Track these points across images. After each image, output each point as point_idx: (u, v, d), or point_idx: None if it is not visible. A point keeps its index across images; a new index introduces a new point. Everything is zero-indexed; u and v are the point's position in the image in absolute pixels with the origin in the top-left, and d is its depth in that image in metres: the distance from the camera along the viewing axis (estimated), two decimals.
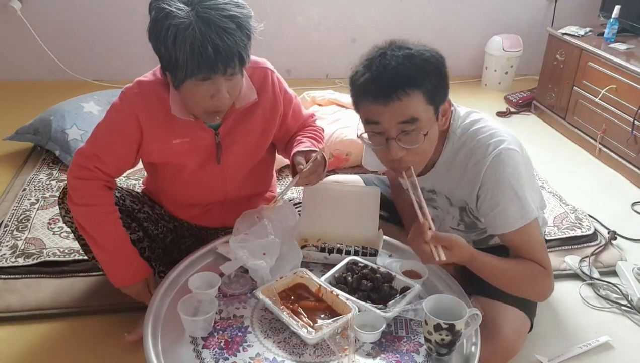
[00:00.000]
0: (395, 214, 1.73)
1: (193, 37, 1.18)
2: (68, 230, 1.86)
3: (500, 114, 3.32)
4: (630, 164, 2.61)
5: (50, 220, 2.10)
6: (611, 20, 2.89)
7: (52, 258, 1.87)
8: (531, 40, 3.73)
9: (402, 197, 1.71)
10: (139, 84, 1.41)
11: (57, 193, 2.00)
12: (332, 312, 1.22)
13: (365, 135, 1.26)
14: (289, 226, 1.43)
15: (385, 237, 1.48)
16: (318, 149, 1.42)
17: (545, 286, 1.32)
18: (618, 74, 2.66)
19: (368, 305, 1.22)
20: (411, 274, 1.34)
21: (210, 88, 1.27)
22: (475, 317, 1.17)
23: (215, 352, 1.14)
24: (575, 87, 2.98)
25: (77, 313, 1.68)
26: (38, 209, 2.17)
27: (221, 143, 1.47)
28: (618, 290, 1.84)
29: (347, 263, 1.36)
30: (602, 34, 2.96)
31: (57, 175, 2.42)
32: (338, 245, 1.45)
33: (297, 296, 1.27)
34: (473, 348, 1.17)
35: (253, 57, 1.44)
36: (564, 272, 1.94)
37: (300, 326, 1.16)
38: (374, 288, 1.27)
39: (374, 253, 1.42)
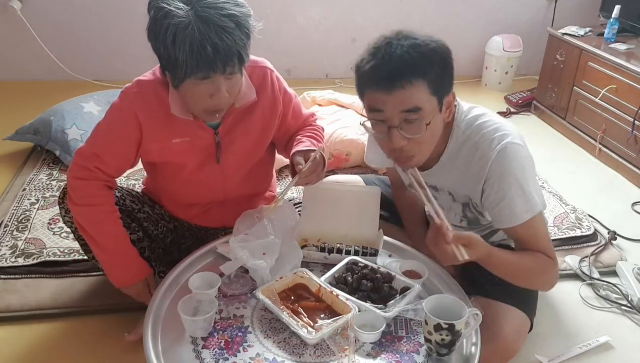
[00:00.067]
0: (395, 214, 1.73)
1: (192, 36, 1.18)
2: (68, 230, 1.86)
3: (500, 114, 3.31)
4: (630, 164, 2.61)
5: (50, 220, 2.10)
6: (611, 20, 2.89)
7: (52, 258, 1.87)
8: (531, 40, 3.73)
9: (403, 197, 1.71)
10: (138, 84, 1.41)
11: (57, 193, 2.00)
12: (332, 312, 1.22)
13: (368, 124, 1.27)
14: (289, 226, 1.43)
15: (385, 237, 1.48)
16: (317, 148, 1.42)
17: (552, 276, 1.35)
18: (618, 74, 2.66)
19: (368, 305, 1.22)
20: (411, 274, 1.34)
21: (209, 87, 1.27)
22: (475, 317, 1.17)
23: (215, 352, 1.14)
24: (575, 87, 2.98)
25: (77, 313, 1.68)
26: (38, 209, 2.17)
27: (220, 142, 1.47)
28: (618, 290, 1.84)
29: (347, 263, 1.36)
30: (602, 34, 2.96)
31: (57, 175, 2.42)
32: (338, 245, 1.45)
33: (297, 296, 1.27)
34: (473, 348, 1.17)
35: (252, 57, 1.44)
36: (564, 272, 1.94)
37: (300, 326, 1.16)
38: (374, 288, 1.27)
39: (374, 253, 1.42)
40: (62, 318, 1.66)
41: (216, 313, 1.22)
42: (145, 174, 1.70)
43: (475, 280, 1.52)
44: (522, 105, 3.40)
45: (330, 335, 1.15)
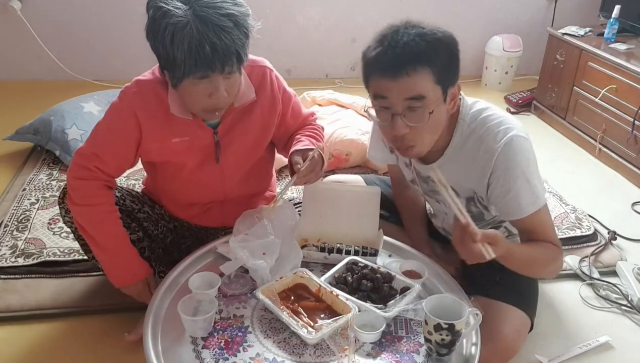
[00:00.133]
0: (395, 213, 1.73)
1: (190, 35, 1.19)
2: (68, 230, 1.86)
3: None
4: (630, 164, 2.61)
5: (50, 220, 2.10)
6: (611, 20, 2.89)
7: (52, 258, 1.87)
8: (531, 40, 3.73)
9: (403, 196, 1.71)
10: (137, 83, 1.41)
11: (57, 193, 2.00)
12: (332, 312, 1.22)
13: (373, 112, 1.28)
14: (289, 226, 1.43)
15: (385, 237, 1.48)
16: (315, 147, 1.42)
17: (560, 264, 1.38)
18: (618, 74, 2.66)
19: (368, 305, 1.22)
20: (411, 274, 1.34)
21: (208, 86, 1.27)
22: (475, 317, 1.17)
23: (215, 352, 1.14)
24: (575, 87, 2.98)
25: (77, 313, 1.68)
26: (38, 209, 2.17)
27: (220, 142, 1.47)
28: (618, 290, 1.84)
29: (347, 263, 1.36)
30: (602, 34, 2.96)
31: (57, 175, 2.42)
32: (338, 245, 1.45)
33: (297, 296, 1.27)
34: (473, 348, 1.17)
35: (251, 56, 1.44)
36: (564, 272, 1.94)
37: (300, 326, 1.16)
38: (374, 288, 1.27)
39: (374, 253, 1.42)
40: (62, 318, 1.66)
41: (216, 313, 1.22)
42: (145, 173, 1.70)
43: (475, 280, 1.52)
44: (522, 105, 3.40)
45: (330, 335, 1.15)
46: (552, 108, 3.19)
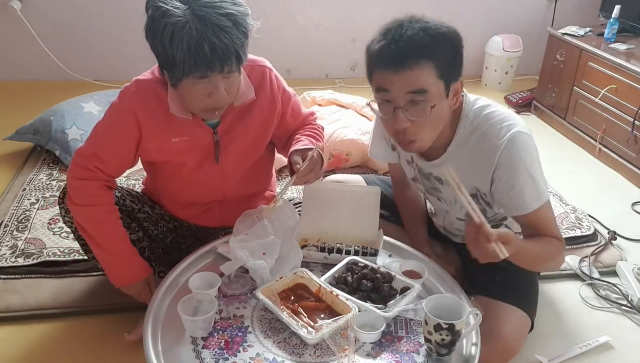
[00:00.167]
0: (396, 213, 1.73)
1: (189, 35, 1.19)
2: (68, 230, 1.86)
3: None
4: (630, 164, 2.61)
5: (50, 220, 2.10)
6: (611, 20, 2.89)
7: (52, 258, 1.87)
8: (531, 40, 3.73)
9: (404, 196, 1.72)
10: (137, 83, 1.41)
11: (57, 194, 2.00)
12: (332, 312, 1.22)
13: (375, 106, 1.28)
14: (289, 226, 1.43)
15: (385, 237, 1.48)
16: (314, 147, 1.42)
17: (563, 257, 1.39)
18: (618, 74, 2.66)
19: (368, 305, 1.22)
20: (411, 274, 1.34)
21: (207, 86, 1.27)
22: (475, 317, 1.17)
23: (215, 352, 1.14)
24: (575, 87, 2.98)
25: (77, 313, 1.68)
26: (38, 209, 2.17)
27: (219, 141, 1.47)
28: (618, 290, 1.84)
29: (347, 263, 1.36)
30: (602, 34, 2.96)
31: (57, 175, 2.42)
32: (338, 245, 1.45)
33: (297, 296, 1.27)
34: (473, 348, 1.17)
35: (251, 56, 1.44)
36: (564, 272, 1.94)
37: (300, 326, 1.16)
38: (374, 288, 1.27)
39: (374, 253, 1.42)
40: (62, 318, 1.66)
41: (216, 313, 1.22)
42: (145, 173, 1.70)
43: (475, 280, 1.52)
44: (522, 105, 3.40)
45: (330, 335, 1.15)
46: (552, 108, 3.20)
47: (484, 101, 1.37)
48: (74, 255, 1.88)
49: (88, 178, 1.41)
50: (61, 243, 1.95)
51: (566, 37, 3.03)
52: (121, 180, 2.38)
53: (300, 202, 1.54)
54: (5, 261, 1.85)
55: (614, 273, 1.94)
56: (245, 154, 1.53)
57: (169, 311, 1.25)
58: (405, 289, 1.27)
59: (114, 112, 1.42)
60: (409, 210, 1.71)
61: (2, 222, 2.07)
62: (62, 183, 2.32)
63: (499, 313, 1.40)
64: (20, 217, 2.10)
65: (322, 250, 1.43)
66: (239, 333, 1.19)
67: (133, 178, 2.41)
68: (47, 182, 2.36)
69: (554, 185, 2.48)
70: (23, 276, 1.79)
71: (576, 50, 2.95)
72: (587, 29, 3.06)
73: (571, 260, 1.97)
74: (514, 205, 1.32)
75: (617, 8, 2.87)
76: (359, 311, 1.20)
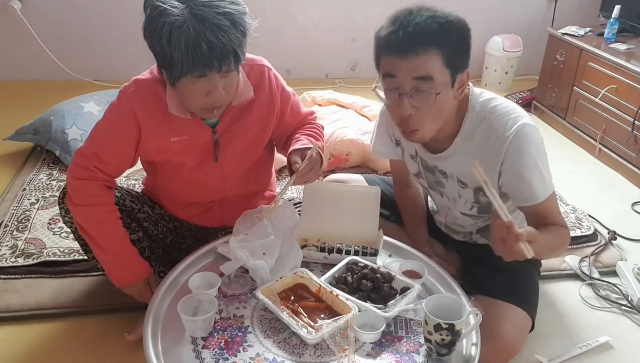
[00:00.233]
0: (396, 213, 1.73)
1: (187, 34, 1.19)
2: (68, 230, 1.86)
3: None
4: (630, 164, 2.61)
5: (50, 220, 2.10)
6: (611, 20, 2.89)
7: (52, 258, 1.87)
8: (531, 40, 3.73)
9: (404, 196, 1.72)
10: (136, 83, 1.41)
11: (57, 194, 2.00)
12: (332, 312, 1.22)
13: (382, 93, 1.29)
14: (289, 226, 1.43)
15: (385, 237, 1.48)
16: (313, 146, 1.42)
17: (568, 242, 1.41)
18: (618, 74, 2.66)
19: (368, 305, 1.22)
20: (411, 274, 1.34)
21: (205, 85, 1.27)
22: (475, 317, 1.17)
23: (215, 352, 1.14)
24: (575, 87, 2.98)
25: (77, 313, 1.68)
26: (38, 209, 2.17)
27: (219, 141, 1.47)
28: (618, 290, 1.84)
29: (347, 263, 1.36)
30: (602, 34, 2.96)
31: (57, 175, 2.42)
32: (338, 245, 1.45)
33: (297, 296, 1.27)
34: (473, 349, 1.17)
35: (250, 55, 1.44)
36: (564, 272, 1.94)
37: (300, 326, 1.16)
38: (374, 288, 1.27)
39: (374, 253, 1.42)
40: (62, 318, 1.66)
41: (216, 313, 1.22)
42: (145, 173, 1.70)
43: (476, 280, 1.53)
44: (522, 105, 3.36)
45: (330, 335, 1.15)
46: (552, 108, 3.20)
47: (489, 94, 1.39)
48: (74, 255, 1.88)
49: (88, 178, 1.41)
50: (61, 243, 1.95)
51: (566, 37, 3.03)
52: (121, 180, 2.38)
53: (300, 202, 1.54)
54: (5, 261, 1.85)
55: (614, 273, 1.94)
56: (244, 153, 1.53)
57: (169, 311, 1.25)
58: (405, 289, 1.27)
59: (113, 112, 1.42)
60: (409, 209, 1.71)
61: (2, 222, 2.07)
62: (62, 183, 2.32)
63: (499, 313, 1.40)
64: (20, 217, 2.10)
65: (322, 250, 1.43)
66: (239, 333, 1.19)
67: (133, 178, 2.41)
68: (47, 182, 2.36)
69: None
70: (23, 276, 1.79)
71: (576, 50, 2.95)
72: (587, 29, 3.06)
73: (571, 260, 1.97)
74: (522, 196, 1.33)
75: (617, 8, 2.86)
76: (359, 311, 1.20)
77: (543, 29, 3.49)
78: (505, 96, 3.50)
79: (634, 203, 2.41)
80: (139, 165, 1.58)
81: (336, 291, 1.25)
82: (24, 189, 2.29)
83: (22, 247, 1.93)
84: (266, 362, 1.12)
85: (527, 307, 1.45)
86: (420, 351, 1.16)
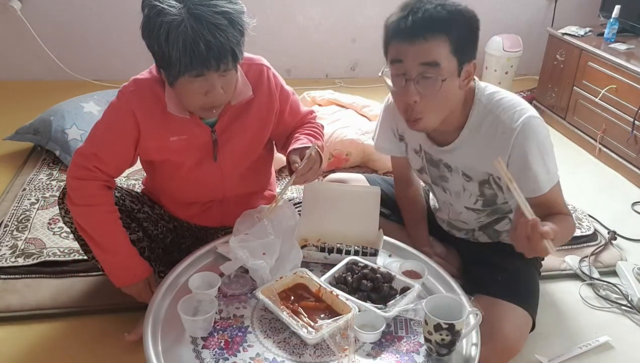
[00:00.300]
0: (396, 212, 1.73)
1: (185, 34, 1.19)
2: (68, 230, 1.86)
3: None
4: (630, 164, 2.61)
5: (50, 220, 2.10)
6: (611, 20, 2.89)
7: (52, 258, 1.87)
8: (531, 40, 3.73)
9: (405, 196, 1.72)
10: (135, 82, 1.41)
11: (57, 194, 2.00)
12: (332, 312, 1.22)
13: (389, 81, 1.31)
14: (289, 226, 1.43)
15: (385, 237, 1.48)
16: (311, 145, 1.42)
17: (575, 230, 1.45)
18: (618, 74, 2.66)
19: (368, 305, 1.22)
20: (411, 274, 1.34)
21: (204, 84, 1.27)
22: (475, 317, 1.17)
23: (215, 352, 1.14)
24: (575, 87, 2.98)
25: (77, 313, 1.68)
26: (38, 209, 2.17)
27: (218, 140, 1.47)
28: (618, 290, 1.84)
29: (347, 263, 1.36)
30: (602, 34, 2.96)
31: (57, 175, 2.42)
32: (338, 245, 1.45)
33: (297, 296, 1.27)
34: (473, 349, 1.17)
35: (249, 54, 1.44)
36: (564, 272, 1.94)
37: (300, 326, 1.16)
38: (374, 288, 1.27)
39: (374, 253, 1.42)
40: (62, 318, 1.66)
41: (216, 313, 1.22)
42: (144, 174, 1.70)
43: (477, 279, 1.53)
44: None
45: (330, 335, 1.15)
46: (552, 108, 3.19)
47: (494, 88, 1.40)
48: (74, 255, 1.88)
49: (87, 178, 1.41)
50: (61, 243, 1.95)
51: (566, 37, 3.03)
52: (121, 180, 2.38)
53: (300, 202, 1.54)
54: (5, 261, 1.85)
55: (614, 273, 1.94)
56: (243, 153, 1.53)
57: (169, 311, 1.25)
58: (405, 289, 1.27)
59: (112, 112, 1.42)
60: (410, 209, 1.71)
61: (2, 222, 2.07)
62: (62, 184, 2.32)
63: (500, 312, 1.40)
64: (20, 217, 2.10)
65: (322, 250, 1.43)
66: (239, 333, 1.19)
67: (133, 178, 2.41)
68: (47, 182, 2.36)
69: None
70: (23, 276, 1.79)
71: (576, 50, 2.95)
72: (587, 29, 3.06)
73: (571, 260, 1.97)
74: (529, 187, 1.34)
75: (617, 8, 2.86)
76: (359, 311, 1.20)
77: (543, 29, 3.49)
78: None
79: (634, 203, 2.41)
80: (138, 165, 1.58)
81: (336, 291, 1.25)
82: (24, 189, 2.29)
83: (22, 247, 1.93)
84: (266, 362, 1.12)
85: (528, 306, 1.45)
86: (420, 351, 1.16)
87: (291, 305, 1.24)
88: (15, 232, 2.01)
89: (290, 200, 1.77)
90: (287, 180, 1.40)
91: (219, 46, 1.21)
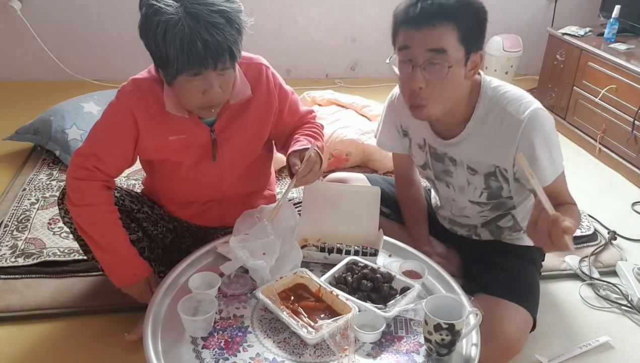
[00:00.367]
0: (397, 211, 1.73)
1: (182, 32, 1.19)
2: (68, 230, 1.86)
3: None
4: (630, 164, 2.61)
5: (50, 220, 2.10)
6: (611, 20, 2.89)
7: (52, 258, 1.87)
8: (531, 40, 3.73)
9: (406, 196, 1.72)
10: (133, 82, 1.41)
11: (57, 194, 2.00)
12: (332, 312, 1.22)
13: (395, 68, 1.32)
14: (289, 226, 1.43)
15: (385, 237, 1.48)
16: (310, 146, 1.42)
17: (581, 219, 1.44)
18: (618, 74, 2.66)
19: (368, 305, 1.22)
20: (411, 274, 1.34)
21: (201, 83, 1.27)
22: (475, 317, 1.17)
23: (215, 352, 1.14)
24: (575, 87, 2.98)
25: (77, 313, 1.68)
26: (38, 209, 2.17)
27: (217, 139, 1.47)
28: (618, 290, 1.84)
29: (347, 263, 1.36)
30: (602, 34, 2.96)
31: (57, 175, 2.42)
32: (338, 245, 1.45)
33: (297, 296, 1.27)
34: (473, 349, 1.17)
35: (248, 54, 1.44)
36: (564, 272, 1.94)
37: (300, 326, 1.16)
38: (374, 288, 1.27)
39: (374, 253, 1.42)
40: (62, 318, 1.66)
41: (216, 313, 1.22)
42: (144, 174, 1.70)
43: (478, 278, 1.53)
44: None
45: (330, 335, 1.15)
46: (552, 108, 3.19)
47: (498, 81, 1.42)
48: (74, 255, 1.88)
49: (87, 178, 1.41)
50: (61, 243, 1.95)
51: (566, 37, 3.03)
52: (121, 180, 2.38)
53: (300, 202, 1.54)
54: (5, 261, 1.85)
55: (614, 273, 1.94)
56: (242, 152, 1.53)
57: (169, 311, 1.25)
58: (405, 289, 1.27)
59: (111, 112, 1.42)
60: (411, 208, 1.71)
61: (2, 222, 2.07)
62: (62, 184, 2.32)
63: (501, 312, 1.40)
64: (20, 217, 2.11)
65: (322, 250, 1.43)
66: (239, 333, 1.19)
67: (133, 178, 2.41)
68: (47, 182, 2.36)
69: None
70: (23, 276, 1.80)
71: (576, 50, 2.95)
72: (587, 29, 3.07)
73: (571, 260, 1.97)
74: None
75: (617, 8, 2.87)
76: (359, 311, 1.20)
77: (543, 29, 3.49)
78: None
79: (634, 203, 2.41)
80: (138, 165, 1.58)
81: (336, 291, 1.25)
82: (24, 189, 2.30)
83: (22, 247, 1.93)
84: (266, 362, 1.12)
85: (529, 305, 1.45)
86: (420, 351, 1.16)
87: (291, 305, 1.24)
88: (15, 232, 2.01)
89: (290, 200, 1.77)
90: (288, 183, 1.40)
91: (216, 45, 1.21)
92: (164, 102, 1.37)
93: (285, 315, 1.18)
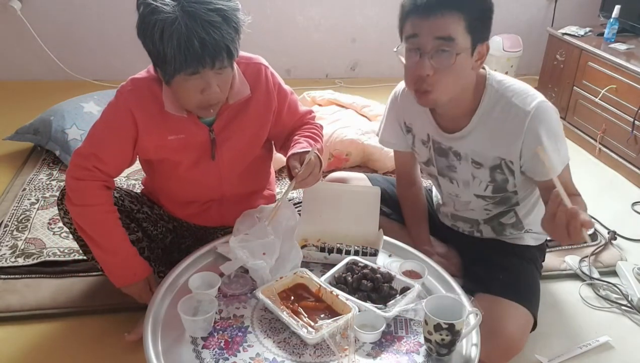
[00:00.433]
0: (397, 211, 1.73)
1: (179, 31, 1.19)
2: (68, 230, 1.86)
3: None
4: (630, 164, 2.61)
5: (50, 220, 2.10)
6: (611, 20, 2.89)
7: (52, 258, 1.87)
8: (531, 40, 3.73)
9: (407, 196, 1.72)
10: (132, 82, 1.41)
11: (57, 194, 2.00)
12: (332, 312, 1.22)
13: (402, 58, 1.33)
14: (289, 226, 1.43)
15: (385, 237, 1.48)
16: (310, 149, 1.42)
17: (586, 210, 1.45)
18: (618, 74, 2.66)
19: (368, 305, 1.22)
20: (411, 274, 1.34)
21: (199, 82, 1.27)
22: (476, 317, 1.17)
23: (215, 352, 1.14)
24: (575, 87, 2.98)
25: (77, 313, 1.68)
26: (38, 209, 2.17)
27: (216, 139, 1.47)
28: (618, 290, 1.84)
29: (347, 263, 1.36)
30: (602, 34, 2.96)
31: (57, 175, 2.42)
32: (338, 245, 1.45)
33: (297, 296, 1.27)
34: (473, 349, 1.17)
35: (247, 54, 1.44)
36: (564, 272, 1.94)
37: (300, 326, 1.16)
38: (374, 288, 1.27)
39: (374, 253, 1.42)
40: (62, 318, 1.66)
41: (216, 313, 1.22)
42: (144, 174, 1.70)
43: (478, 278, 1.53)
44: None
45: (330, 335, 1.15)
46: None
47: (502, 76, 1.43)
48: (74, 255, 1.88)
49: (87, 178, 1.41)
50: (61, 243, 1.95)
51: (566, 37, 3.03)
52: (121, 180, 2.38)
53: (300, 202, 1.54)
54: (5, 261, 1.85)
55: (614, 273, 1.94)
56: (241, 152, 1.53)
57: (169, 311, 1.25)
58: (405, 289, 1.27)
59: (110, 111, 1.42)
60: (411, 207, 1.71)
61: (2, 222, 2.07)
62: (62, 184, 2.32)
63: (502, 311, 1.40)
64: (20, 217, 2.11)
65: (322, 250, 1.43)
66: (239, 333, 1.19)
67: (133, 178, 2.41)
68: (47, 182, 2.36)
69: None
70: (23, 276, 1.80)
71: (576, 50, 2.95)
72: (587, 29, 3.07)
73: (571, 260, 1.97)
74: (542, 170, 1.36)
75: (617, 8, 2.87)
76: (359, 311, 1.20)
77: (543, 29, 3.49)
78: None
79: (634, 203, 2.41)
80: (138, 165, 1.58)
81: (336, 291, 1.25)
82: (24, 189, 2.30)
83: (22, 247, 1.93)
84: (266, 362, 1.12)
85: (529, 305, 1.45)
86: (420, 351, 1.16)
87: (291, 305, 1.24)
88: (15, 232, 2.01)
89: (290, 200, 1.77)
90: (288, 185, 1.40)
91: (213, 44, 1.21)
92: (163, 101, 1.37)
93: (285, 315, 1.18)
